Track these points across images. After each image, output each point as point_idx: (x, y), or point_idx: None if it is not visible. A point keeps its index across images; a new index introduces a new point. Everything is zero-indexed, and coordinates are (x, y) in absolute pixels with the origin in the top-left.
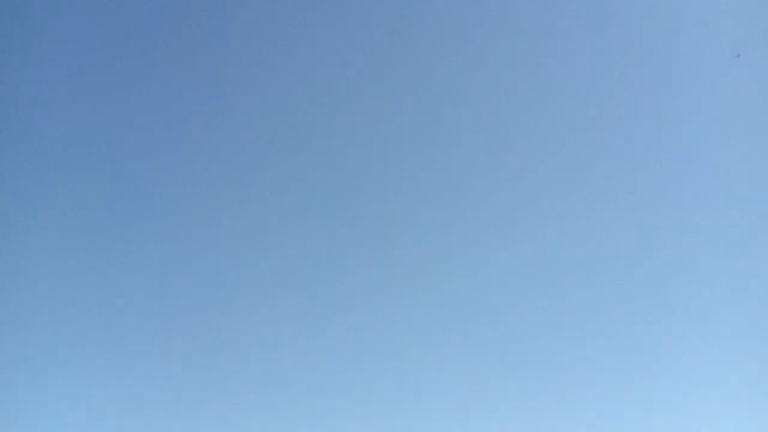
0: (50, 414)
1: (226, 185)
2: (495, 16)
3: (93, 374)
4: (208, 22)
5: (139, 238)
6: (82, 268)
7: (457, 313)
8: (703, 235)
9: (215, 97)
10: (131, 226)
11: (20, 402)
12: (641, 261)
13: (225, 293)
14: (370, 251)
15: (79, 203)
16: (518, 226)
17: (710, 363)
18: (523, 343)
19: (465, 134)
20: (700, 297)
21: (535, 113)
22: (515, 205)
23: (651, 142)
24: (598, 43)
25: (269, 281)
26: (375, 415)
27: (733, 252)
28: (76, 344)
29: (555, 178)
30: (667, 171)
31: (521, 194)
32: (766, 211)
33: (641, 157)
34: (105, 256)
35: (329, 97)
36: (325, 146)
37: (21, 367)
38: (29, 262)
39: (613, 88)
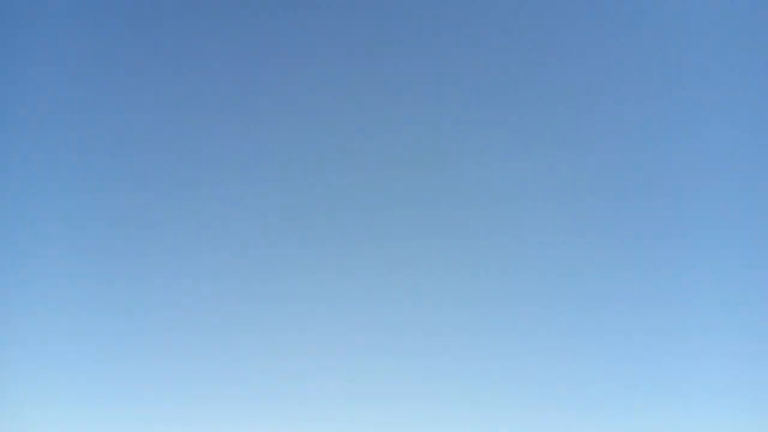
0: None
1: (226, 186)
2: (498, 16)
3: (91, 372)
4: (207, 21)
5: (136, 236)
6: (80, 266)
7: (457, 312)
8: (705, 235)
9: (215, 96)
10: (129, 225)
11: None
12: (645, 263)
13: (224, 291)
14: (368, 250)
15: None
16: (521, 227)
17: (711, 363)
18: (524, 342)
19: (466, 133)
20: (701, 296)
21: (534, 113)
22: (515, 205)
23: (656, 141)
24: (599, 43)
25: (268, 276)
26: (373, 414)
27: (734, 252)
28: (75, 342)
29: (559, 178)
30: (668, 170)
31: (523, 193)
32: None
33: (652, 158)
34: (101, 254)
35: (328, 97)
36: (324, 146)
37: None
38: (29, 261)
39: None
